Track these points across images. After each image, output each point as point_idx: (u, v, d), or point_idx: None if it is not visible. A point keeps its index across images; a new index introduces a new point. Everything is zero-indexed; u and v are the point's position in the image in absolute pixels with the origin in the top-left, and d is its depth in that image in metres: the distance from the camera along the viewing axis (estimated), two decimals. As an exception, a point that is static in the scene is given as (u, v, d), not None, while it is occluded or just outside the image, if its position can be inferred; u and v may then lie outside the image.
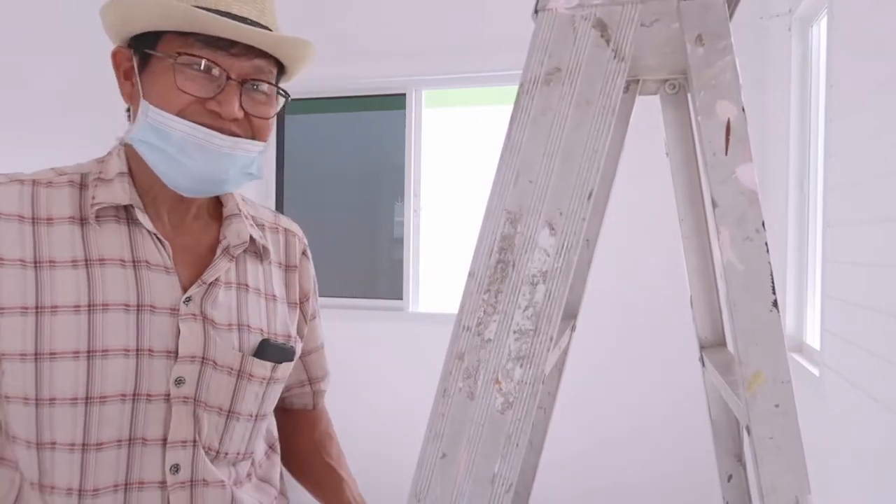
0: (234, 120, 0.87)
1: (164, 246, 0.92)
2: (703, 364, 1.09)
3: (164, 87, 0.86)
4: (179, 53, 0.85)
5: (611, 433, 3.42)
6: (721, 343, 1.09)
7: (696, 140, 0.69)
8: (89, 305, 0.86)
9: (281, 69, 0.95)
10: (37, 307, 0.84)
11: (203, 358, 0.91)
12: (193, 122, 0.86)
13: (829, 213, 2.26)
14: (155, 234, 0.91)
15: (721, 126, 0.68)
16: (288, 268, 1.07)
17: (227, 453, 0.96)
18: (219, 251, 0.96)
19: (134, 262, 0.89)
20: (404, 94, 3.88)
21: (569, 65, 0.72)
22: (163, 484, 0.90)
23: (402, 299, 3.85)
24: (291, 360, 1.03)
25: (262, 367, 0.97)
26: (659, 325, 3.24)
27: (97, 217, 0.89)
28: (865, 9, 1.97)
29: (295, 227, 1.12)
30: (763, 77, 3.17)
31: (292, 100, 3.55)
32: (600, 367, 3.31)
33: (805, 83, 2.78)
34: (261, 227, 1.05)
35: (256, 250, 1.02)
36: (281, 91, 0.93)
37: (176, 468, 0.90)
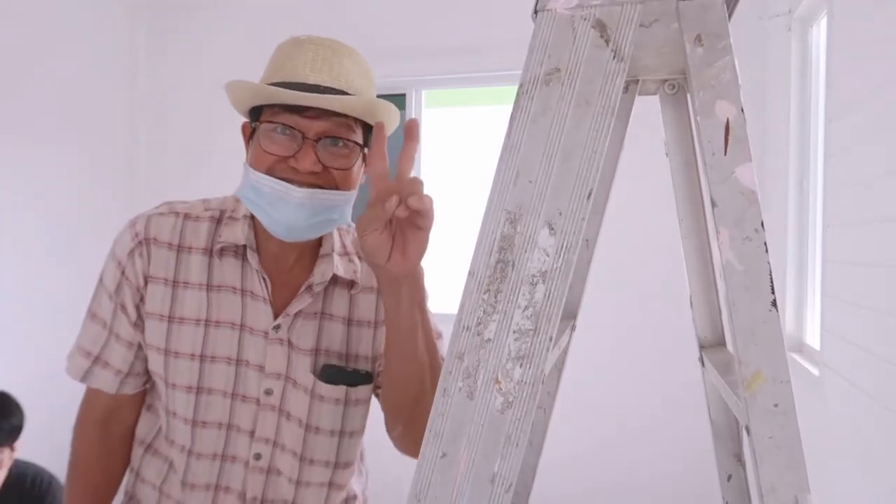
0: (313, 174, 1.01)
1: (265, 281, 1.11)
2: (703, 364, 1.09)
3: (257, 149, 1.03)
4: (262, 122, 1.03)
5: (610, 433, 3.42)
6: (721, 343, 1.09)
7: (696, 140, 0.69)
8: (206, 321, 1.11)
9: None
10: (170, 316, 1.11)
11: (286, 376, 1.12)
12: (277, 177, 1.01)
13: (829, 213, 2.26)
14: (259, 271, 1.11)
15: (720, 126, 0.68)
16: (377, 291, 1.17)
17: (311, 460, 1.16)
18: (302, 288, 1.12)
19: (243, 291, 1.11)
20: (404, 95, 3.88)
21: (568, 65, 0.72)
22: (247, 464, 1.14)
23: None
24: (365, 382, 1.16)
25: (331, 390, 1.13)
26: (658, 324, 3.25)
27: (221, 251, 1.12)
28: (865, 9, 1.97)
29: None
30: (763, 77, 3.17)
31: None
32: (600, 367, 3.31)
33: (805, 83, 2.78)
34: (359, 255, 1.18)
35: (346, 282, 1.15)
36: (358, 143, 1.05)
37: (258, 456, 1.14)
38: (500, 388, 0.71)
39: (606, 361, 3.34)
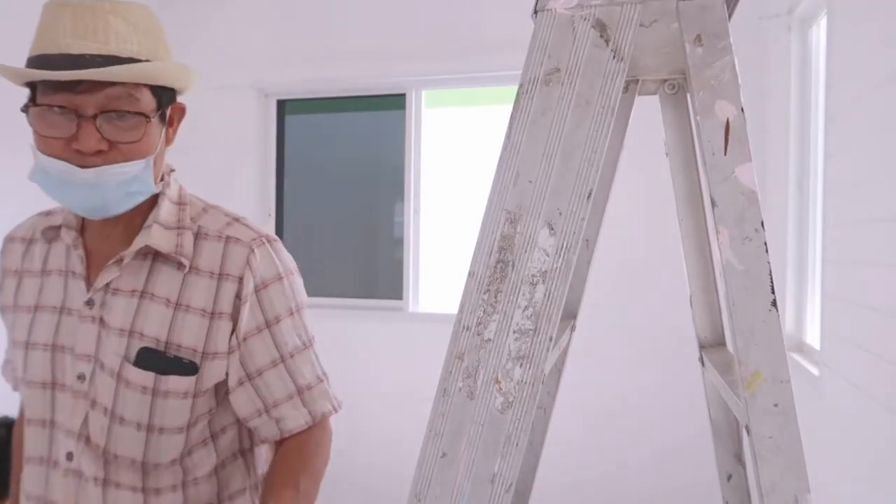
0: (100, 152, 0.91)
1: (76, 255, 1.03)
2: (703, 364, 1.09)
3: (37, 132, 0.94)
4: (34, 103, 0.93)
5: (610, 432, 3.42)
6: (720, 343, 1.09)
7: (696, 140, 0.69)
8: (36, 306, 1.05)
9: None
10: (14, 306, 1.09)
11: (95, 358, 1.00)
12: (64, 159, 0.92)
13: (828, 213, 2.26)
14: (72, 248, 1.04)
15: (720, 126, 0.68)
16: (222, 277, 1.00)
17: (116, 455, 1.00)
18: (111, 261, 1.01)
19: (66, 271, 1.05)
20: (404, 94, 3.88)
21: (568, 65, 0.72)
22: (59, 467, 1.02)
23: (402, 299, 3.85)
24: (188, 374, 1.00)
25: (141, 376, 0.99)
26: (659, 324, 3.24)
27: (50, 236, 1.08)
28: (865, 9, 1.97)
29: (245, 235, 1.03)
30: (763, 77, 3.17)
31: (291, 100, 3.51)
32: (600, 366, 3.31)
33: (805, 83, 2.78)
34: (203, 236, 1.03)
35: (175, 260, 1.01)
36: (143, 114, 0.94)
37: (69, 456, 1.01)
38: (501, 388, 0.71)
39: (607, 361, 3.34)
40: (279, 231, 4.11)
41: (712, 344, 1.10)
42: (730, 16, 0.76)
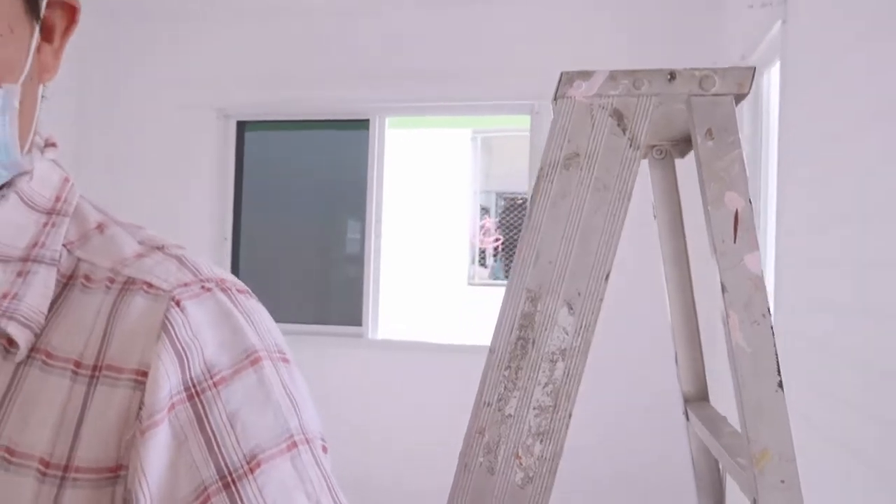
0: None
1: None
2: (688, 418, 1.14)
3: None
4: None
5: (595, 482, 3.40)
6: (704, 398, 1.14)
7: (707, 228, 0.73)
8: None
9: None
10: None
11: None
12: None
13: (780, 257, 2.37)
14: None
15: (730, 216, 0.72)
16: (101, 374, 0.43)
17: None
18: None
19: None
20: (368, 120, 3.89)
21: (587, 150, 0.75)
22: None
23: (360, 325, 3.83)
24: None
25: None
26: (643, 379, 3.25)
27: None
28: (818, 63, 2.09)
29: (168, 276, 0.45)
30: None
31: (250, 122, 3.43)
32: (585, 418, 3.34)
33: (757, 131, 2.91)
34: (80, 281, 0.46)
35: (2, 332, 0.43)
36: None
37: None
38: (521, 464, 0.74)
39: (591, 413, 3.38)
40: (234, 256, 4.05)
41: (696, 399, 1.14)
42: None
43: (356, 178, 3.96)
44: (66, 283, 0.46)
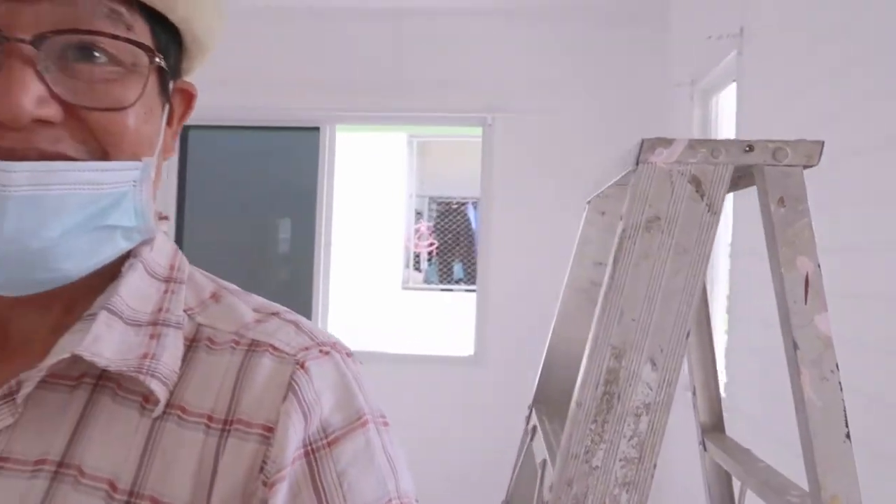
0: (41, 125, 0.43)
1: None
2: (705, 448, 1.20)
3: None
4: None
5: None
6: (720, 429, 1.21)
7: (778, 289, 0.79)
8: None
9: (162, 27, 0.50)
10: None
11: None
12: None
13: (733, 313, 2.51)
14: None
15: (801, 279, 0.78)
16: (232, 428, 0.46)
17: None
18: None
19: None
20: (318, 129, 3.85)
21: (667, 214, 0.79)
22: None
23: (312, 336, 3.79)
24: None
25: None
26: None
27: None
28: (770, 87, 2.22)
29: (290, 341, 0.50)
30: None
31: (194, 127, 3.36)
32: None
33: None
34: (203, 343, 0.50)
35: (138, 389, 0.47)
36: (141, 45, 0.47)
37: None
38: (608, 513, 0.77)
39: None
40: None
41: (712, 430, 1.21)
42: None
43: (302, 182, 3.91)
44: (190, 346, 0.50)
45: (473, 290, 3.92)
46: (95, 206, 0.45)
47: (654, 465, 0.78)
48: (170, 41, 0.50)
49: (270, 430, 0.45)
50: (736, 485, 1.17)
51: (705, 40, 2.83)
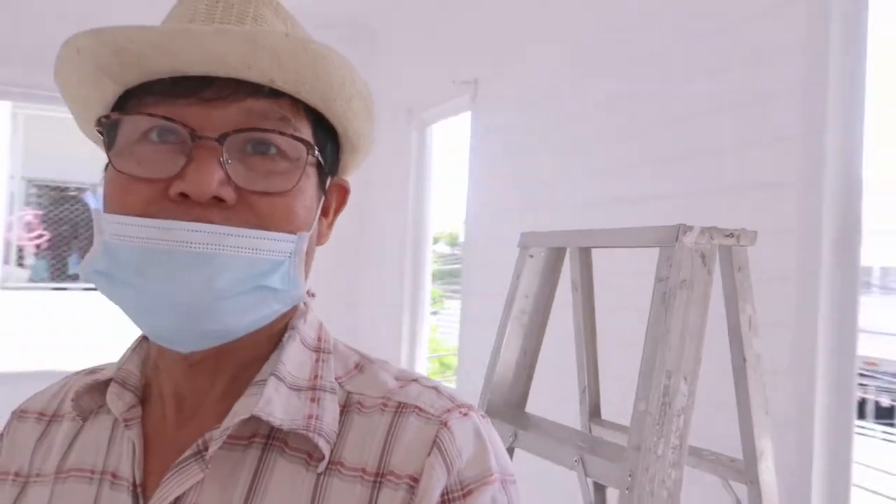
0: (219, 204, 0.52)
1: (127, 439, 0.59)
2: (590, 430, 1.62)
3: (110, 180, 0.55)
4: (121, 116, 0.56)
5: None
6: (598, 415, 1.63)
7: (734, 324, 1.23)
8: None
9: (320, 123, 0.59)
10: None
11: None
12: (150, 216, 0.52)
13: (464, 316, 3.01)
14: (120, 422, 0.60)
15: (748, 318, 1.24)
16: (382, 480, 0.53)
17: None
18: (187, 453, 0.55)
19: (101, 473, 0.60)
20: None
21: (690, 277, 1.17)
22: None
23: None
24: None
25: None
26: None
27: (77, 407, 0.62)
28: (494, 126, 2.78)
29: (433, 403, 0.57)
30: (392, 164, 3.82)
31: None
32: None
33: (421, 175, 3.54)
34: (354, 408, 0.58)
35: (303, 447, 0.55)
36: (304, 141, 0.56)
37: None
38: (666, 485, 1.12)
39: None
40: None
41: (595, 416, 1.63)
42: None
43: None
44: (343, 409, 0.57)
45: (93, 289, 3.66)
46: (255, 269, 0.53)
47: (686, 448, 1.15)
48: (328, 140, 0.60)
49: (416, 480, 0.52)
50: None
51: (411, 65, 3.29)
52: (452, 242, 5.43)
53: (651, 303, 1.17)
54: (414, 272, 3.56)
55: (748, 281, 1.26)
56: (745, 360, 1.25)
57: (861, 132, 1.55)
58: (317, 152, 0.57)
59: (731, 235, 1.22)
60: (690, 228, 1.17)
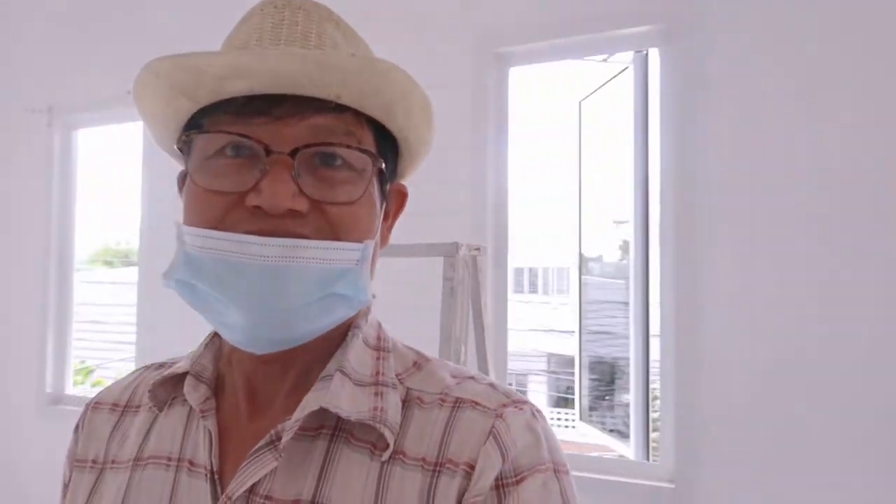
0: (293, 214, 0.57)
1: (203, 429, 0.64)
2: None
3: (191, 193, 0.60)
4: (196, 135, 0.60)
5: None
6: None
7: (478, 328, 1.90)
8: None
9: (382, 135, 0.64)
10: None
11: None
12: (226, 230, 0.57)
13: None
14: (196, 413, 0.65)
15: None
16: (441, 469, 0.58)
17: None
18: (261, 443, 0.60)
19: (179, 460, 0.65)
20: None
21: (462, 277, 1.80)
22: None
23: None
24: None
25: None
26: None
27: (153, 399, 0.68)
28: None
29: (489, 397, 0.62)
30: (15, 169, 3.45)
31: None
32: None
33: (66, 184, 3.36)
34: (414, 402, 0.62)
35: (367, 438, 0.60)
36: (368, 153, 0.60)
37: None
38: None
39: None
40: None
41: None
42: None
43: None
44: (404, 404, 0.62)
45: None
46: (326, 277, 0.57)
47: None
48: (388, 149, 0.64)
49: (472, 466, 0.56)
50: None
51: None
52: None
53: (442, 294, 1.75)
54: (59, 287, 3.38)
55: (481, 277, 1.95)
56: (483, 326, 1.92)
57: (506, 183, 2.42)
58: (380, 162, 0.61)
59: (477, 249, 1.88)
60: (461, 245, 1.80)
